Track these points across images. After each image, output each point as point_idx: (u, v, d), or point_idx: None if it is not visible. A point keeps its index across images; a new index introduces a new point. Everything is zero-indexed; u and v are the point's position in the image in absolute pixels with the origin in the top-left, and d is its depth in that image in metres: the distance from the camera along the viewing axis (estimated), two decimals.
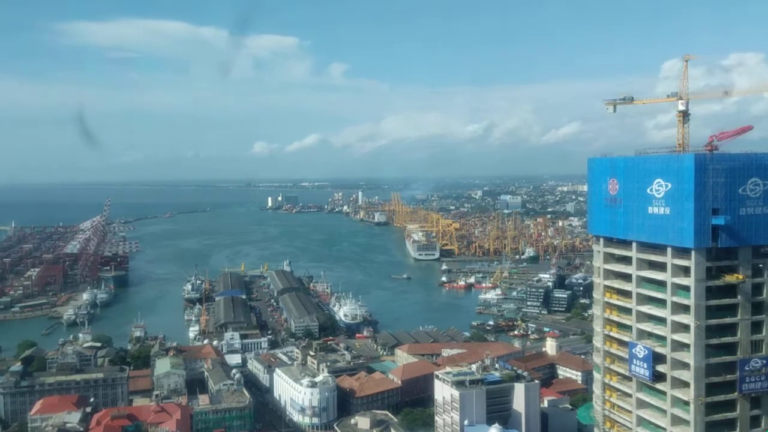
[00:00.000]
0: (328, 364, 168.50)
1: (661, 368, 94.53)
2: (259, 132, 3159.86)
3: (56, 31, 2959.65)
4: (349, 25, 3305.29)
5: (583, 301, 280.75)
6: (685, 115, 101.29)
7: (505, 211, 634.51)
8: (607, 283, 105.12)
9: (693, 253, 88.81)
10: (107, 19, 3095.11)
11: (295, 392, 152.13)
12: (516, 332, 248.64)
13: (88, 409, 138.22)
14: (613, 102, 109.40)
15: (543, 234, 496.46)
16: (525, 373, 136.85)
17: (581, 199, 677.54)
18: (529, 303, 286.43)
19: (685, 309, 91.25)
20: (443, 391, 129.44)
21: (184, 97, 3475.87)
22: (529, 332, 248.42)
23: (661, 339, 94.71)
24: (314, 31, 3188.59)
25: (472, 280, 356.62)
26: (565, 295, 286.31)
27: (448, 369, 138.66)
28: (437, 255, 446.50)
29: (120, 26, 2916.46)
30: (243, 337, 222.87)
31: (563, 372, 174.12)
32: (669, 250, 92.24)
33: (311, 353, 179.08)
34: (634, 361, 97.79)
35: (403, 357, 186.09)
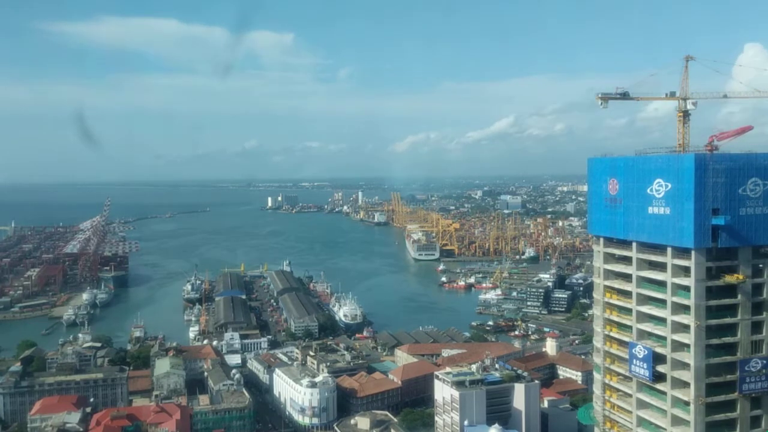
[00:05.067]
0: (328, 364, 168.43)
1: (661, 368, 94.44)
2: (256, 130, 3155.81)
3: (52, 31, 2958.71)
4: (345, 22, 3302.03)
5: (583, 301, 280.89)
6: (685, 114, 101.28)
7: (505, 211, 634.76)
8: (607, 283, 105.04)
9: (693, 253, 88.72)
10: (102, 18, 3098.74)
11: (295, 392, 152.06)
12: (516, 332, 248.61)
13: (88, 410, 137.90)
14: (605, 96, 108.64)
15: (543, 234, 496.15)
16: (525, 374, 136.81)
17: (581, 199, 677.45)
18: (529, 303, 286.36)
19: (686, 309, 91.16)
20: (443, 392, 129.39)
21: (180, 95, 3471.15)
22: (529, 332, 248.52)
23: (661, 339, 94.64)
24: (311, 27, 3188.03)
25: (472, 280, 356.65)
26: (565, 295, 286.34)
27: (448, 369, 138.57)
28: (437, 255, 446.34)
29: (115, 25, 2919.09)
30: (243, 337, 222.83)
31: (563, 372, 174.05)
32: (669, 250, 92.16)
33: (311, 353, 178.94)
34: (634, 361, 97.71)
35: (403, 357, 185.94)
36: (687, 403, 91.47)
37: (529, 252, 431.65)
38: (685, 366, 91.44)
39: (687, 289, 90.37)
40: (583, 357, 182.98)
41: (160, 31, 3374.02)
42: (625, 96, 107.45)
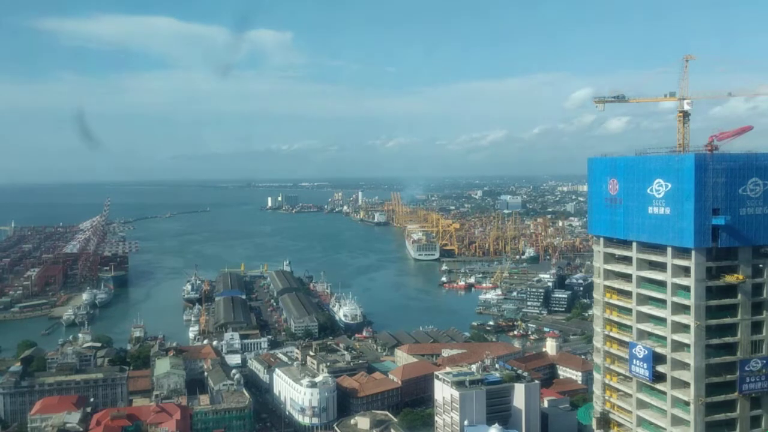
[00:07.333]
0: (328, 364, 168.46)
1: (661, 368, 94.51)
2: (256, 129, 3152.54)
3: (50, 30, 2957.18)
4: (344, 22, 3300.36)
5: (583, 301, 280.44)
6: (685, 115, 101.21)
7: (505, 211, 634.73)
8: (608, 283, 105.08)
9: (693, 253, 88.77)
10: (99, 17, 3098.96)
11: (295, 392, 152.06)
12: (516, 332, 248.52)
13: (88, 409, 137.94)
14: (602, 100, 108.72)
15: (543, 234, 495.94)
16: (525, 374, 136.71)
17: (581, 199, 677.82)
18: (529, 303, 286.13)
19: (686, 309, 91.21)
20: (443, 392, 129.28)
21: (179, 93, 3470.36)
22: (529, 332, 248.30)
23: (661, 339, 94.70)
24: (310, 27, 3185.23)
25: (472, 280, 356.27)
26: (565, 295, 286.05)
27: (448, 369, 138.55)
28: (437, 255, 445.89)
29: (113, 24, 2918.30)
30: (243, 337, 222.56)
31: (563, 372, 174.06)
32: (669, 250, 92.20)
33: (311, 353, 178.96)
34: (634, 361, 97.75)
35: (403, 357, 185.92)
36: (687, 403, 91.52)
37: (529, 252, 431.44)
38: (685, 366, 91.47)
39: (687, 289, 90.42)
40: (583, 357, 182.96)
41: (158, 30, 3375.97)
42: (620, 99, 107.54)
